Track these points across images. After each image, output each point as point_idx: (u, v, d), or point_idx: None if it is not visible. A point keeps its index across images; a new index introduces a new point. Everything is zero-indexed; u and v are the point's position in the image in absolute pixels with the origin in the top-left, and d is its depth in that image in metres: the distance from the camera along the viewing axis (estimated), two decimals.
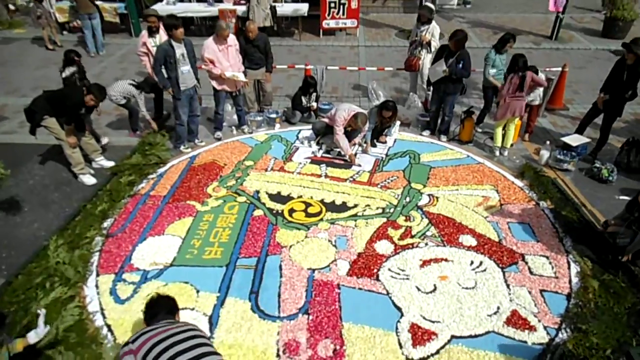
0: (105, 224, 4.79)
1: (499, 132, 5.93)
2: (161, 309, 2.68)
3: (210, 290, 3.96)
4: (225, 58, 6.07)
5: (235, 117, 6.88)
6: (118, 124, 7.02)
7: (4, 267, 4.28)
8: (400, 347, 3.41)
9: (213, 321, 3.66)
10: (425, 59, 6.82)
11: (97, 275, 4.15)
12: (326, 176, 5.64)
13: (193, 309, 3.78)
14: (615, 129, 6.08)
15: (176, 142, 6.26)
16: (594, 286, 3.82)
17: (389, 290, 3.91)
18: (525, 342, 3.44)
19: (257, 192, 5.33)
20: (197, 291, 3.95)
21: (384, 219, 4.82)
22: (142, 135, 6.54)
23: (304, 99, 7.03)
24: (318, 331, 3.55)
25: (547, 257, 4.26)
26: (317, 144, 6.35)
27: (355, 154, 6.07)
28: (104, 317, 3.73)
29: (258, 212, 4.95)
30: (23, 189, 5.41)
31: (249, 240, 4.54)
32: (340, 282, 4.01)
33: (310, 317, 3.66)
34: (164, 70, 5.71)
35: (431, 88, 6.38)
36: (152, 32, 6.47)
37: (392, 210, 4.97)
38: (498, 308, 3.73)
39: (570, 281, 3.99)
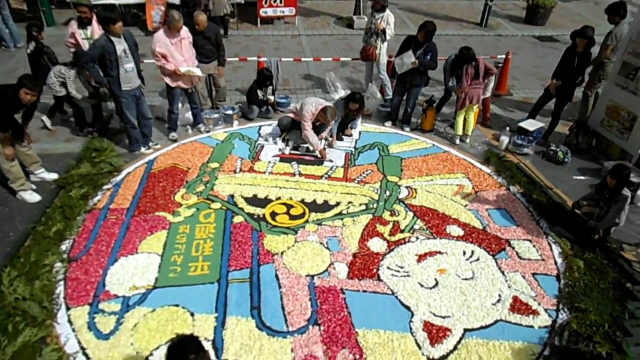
0: (63, 247, 4.19)
1: (460, 120, 6.09)
2: (189, 349, 2.35)
3: (206, 311, 3.61)
4: (178, 52, 5.54)
5: (188, 115, 6.37)
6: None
7: None
8: (419, 347, 3.38)
9: (217, 346, 3.35)
10: (382, 48, 6.79)
11: (68, 308, 3.61)
12: (300, 174, 5.43)
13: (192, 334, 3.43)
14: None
15: (132, 146, 5.65)
16: (579, 265, 4.07)
17: (393, 289, 3.86)
18: (532, 326, 3.58)
19: (232, 196, 4.98)
20: (192, 314, 3.58)
21: (370, 215, 4.75)
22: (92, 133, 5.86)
23: (259, 93, 6.69)
24: (333, 342, 3.39)
25: (530, 241, 4.47)
26: (283, 140, 6.09)
27: (324, 149, 5.91)
28: (88, 357, 3.25)
29: (238, 219, 4.63)
30: None
31: (235, 250, 4.23)
32: (343, 286, 3.88)
33: (322, 328, 3.49)
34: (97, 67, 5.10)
35: (391, 79, 6.39)
36: (83, 23, 5.73)
37: (375, 205, 4.91)
38: (500, 296, 3.83)
39: (555, 262, 4.22)
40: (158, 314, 3.57)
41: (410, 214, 4.79)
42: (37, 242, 4.17)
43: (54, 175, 5.13)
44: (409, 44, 5.89)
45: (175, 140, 6.04)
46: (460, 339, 3.46)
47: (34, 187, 4.90)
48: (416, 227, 4.61)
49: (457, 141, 6.17)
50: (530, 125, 6.07)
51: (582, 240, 4.38)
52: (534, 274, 4.08)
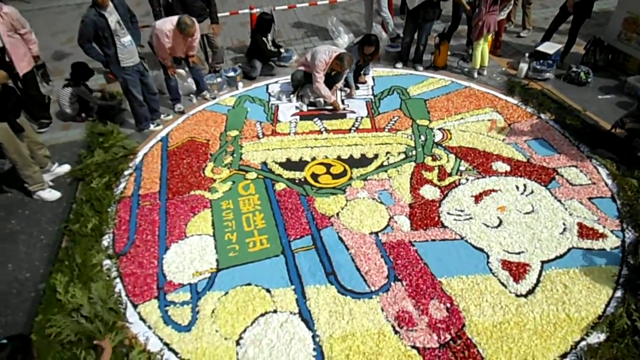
0: (104, 242, 3.90)
1: (478, 53, 5.85)
2: None
3: (281, 285, 3.48)
4: (179, 48, 5.14)
5: (190, 82, 5.91)
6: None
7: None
8: (505, 286, 3.37)
9: (306, 318, 3.24)
10: None
11: (135, 306, 3.40)
12: (327, 131, 5.19)
13: (275, 311, 3.30)
14: (562, 31, 6.37)
15: (141, 125, 5.22)
16: (632, 184, 4.11)
17: (461, 234, 3.81)
18: (604, 249, 3.63)
19: (264, 163, 4.72)
20: (268, 290, 3.44)
21: (412, 163, 4.62)
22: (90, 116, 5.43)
23: (265, 41, 6.20)
24: (420, 295, 3.34)
25: (576, 167, 4.47)
26: (297, 97, 5.76)
27: (342, 101, 5.64)
28: (176, 353, 3.09)
29: (280, 186, 4.41)
30: None
31: (289, 218, 4.04)
32: (411, 238, 3.80)
33: (404, 283, 3.44)
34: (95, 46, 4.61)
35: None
36: None
37: (414, 152, 4.77)
38: (564, 224, 3.84)
39: (606, 184, 4.25)
40: (233, 296, 3.41)
41: (452, 156, 4.68)
42: (76, 241, 3.85)
43: (66, 167, 4.72)
44: None
45: (182, 112, 5.62)
46: (541, 271, 3.48)
47: (51, 183, 4.50)
48: (462, 168, 4.52)
49: (476, 74, 5.99)
50: (549, 48, 5.93)
51: (626, 158, 4.41)
52: (590, 199, 4.10)
